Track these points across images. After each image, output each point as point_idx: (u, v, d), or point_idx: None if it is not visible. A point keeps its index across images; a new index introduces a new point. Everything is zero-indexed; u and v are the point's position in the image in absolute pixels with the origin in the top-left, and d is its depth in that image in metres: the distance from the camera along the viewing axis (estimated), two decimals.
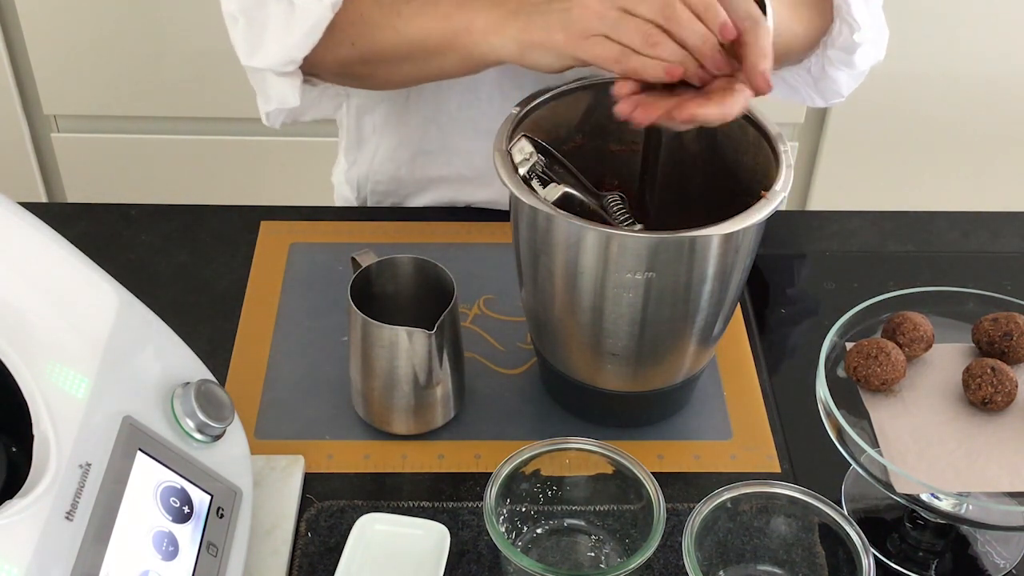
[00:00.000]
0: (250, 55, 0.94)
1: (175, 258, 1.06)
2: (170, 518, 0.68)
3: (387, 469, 0.87)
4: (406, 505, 0.84)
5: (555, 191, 0.81)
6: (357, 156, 1.17)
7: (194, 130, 1.98)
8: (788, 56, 0.95)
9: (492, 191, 1.12)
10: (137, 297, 0.75)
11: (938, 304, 0.86)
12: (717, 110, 0.76)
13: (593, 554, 0.82)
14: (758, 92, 0.78)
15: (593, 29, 0.78)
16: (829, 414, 0.79)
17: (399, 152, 1.13)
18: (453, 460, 0.88)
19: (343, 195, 1.22)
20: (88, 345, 0.68)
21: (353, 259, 0.89)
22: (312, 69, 0.96)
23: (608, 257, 0.78)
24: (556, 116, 0.88)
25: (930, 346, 0.84)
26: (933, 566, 0.83)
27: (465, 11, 0.85)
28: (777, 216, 0.80)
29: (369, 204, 1.20)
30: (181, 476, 0.70)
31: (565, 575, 0.78)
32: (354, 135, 1.15)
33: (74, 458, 0.63)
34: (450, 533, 0.80)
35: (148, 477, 0.68)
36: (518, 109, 0.85)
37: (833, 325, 0.84)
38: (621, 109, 0.78)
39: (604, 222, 0.84)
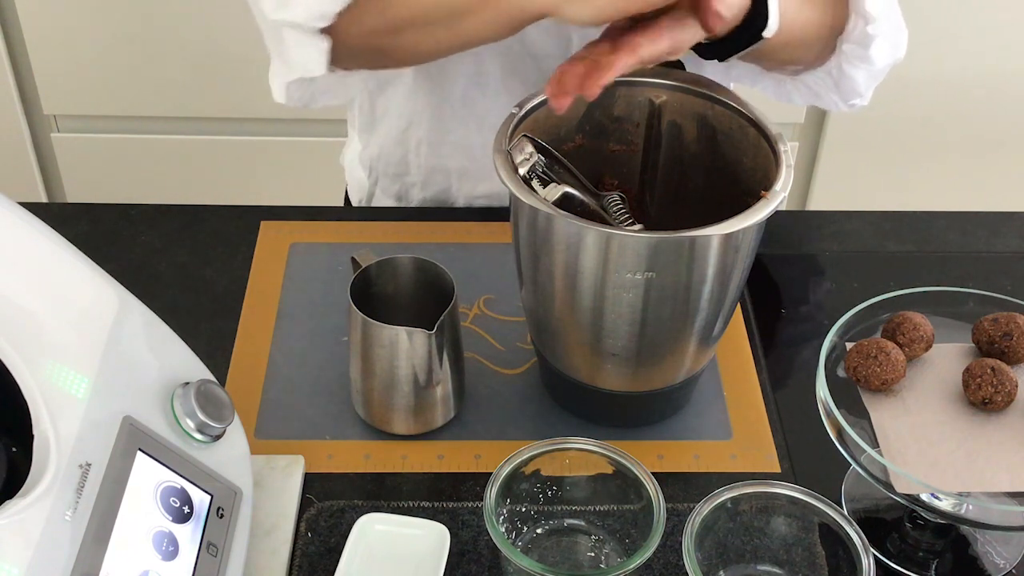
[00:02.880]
0: (280, 6, 0.87)
1: (175, 258, 1.06)
2: (170, 518, 0.68)
3: (387, 469, 0.87)
4: (406, 505, 0.84)
5: (555, 191, 0.81)
6: (371, 138, 1.17)
7: (194, 130, 1.98)
8: (805, 47, 0.95)
9: (494, 184, 1.12)
10: (137, 297, 0.75)
11: (938, 304, 0.86)
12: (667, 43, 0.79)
13: (593, 554, 0.81)
14: (707, 28, 0.79)
15: None
16: (829, 414, 0.79)
17: (408, 135, 1.13)
18: (453, 460, 0.88)
19: (356, 177, 1.22)
20: (88, 345, 0.68)
21: (353, 259, 0.89)
22: (335, 43, 0.90)
23: (608, 257, 0.78)
24: (556, 116, 0.88)
25: (930, 346, 0.84)
26: (933, 566, 0.83)
27: None
28: (777, 216, 0.80)
29: (380, 186, 1.20)
30: (181, 476, 0.70)
31: (565, 575, 0.78)
32: (368, 116, 1.15)
33: (74, 458, 0.63)
34: (450, 533, 0.80)
35: (148, 477, 0.68)
36: (518, 109, 0.85)
37: (833, 325, 0.84)
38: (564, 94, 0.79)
39: (604, 222, 0.84)
